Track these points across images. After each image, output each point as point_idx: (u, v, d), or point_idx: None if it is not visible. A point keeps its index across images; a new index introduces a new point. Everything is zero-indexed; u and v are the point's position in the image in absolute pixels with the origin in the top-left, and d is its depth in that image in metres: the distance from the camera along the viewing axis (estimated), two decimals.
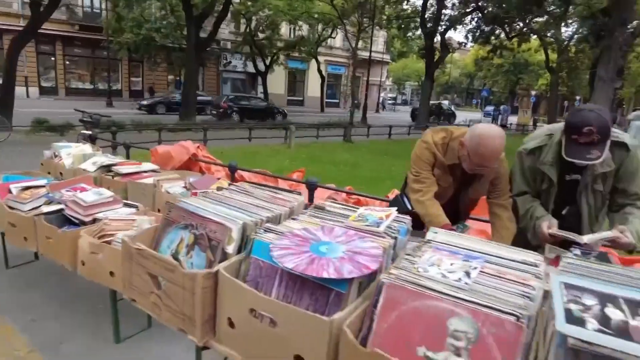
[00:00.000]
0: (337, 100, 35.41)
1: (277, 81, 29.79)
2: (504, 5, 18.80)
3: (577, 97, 34.47)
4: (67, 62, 23.67)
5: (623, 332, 0.86)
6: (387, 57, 36.90)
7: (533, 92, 40.65)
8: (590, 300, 0.99)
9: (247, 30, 25.13)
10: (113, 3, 18.57)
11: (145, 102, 20.30)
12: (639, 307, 0.97)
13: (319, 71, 28.70)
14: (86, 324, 2.67)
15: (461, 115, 30.08)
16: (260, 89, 28.28)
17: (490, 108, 32.74)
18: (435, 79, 50.90)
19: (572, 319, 0.90)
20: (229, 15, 22.81)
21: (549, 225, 1.96)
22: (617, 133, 1.99)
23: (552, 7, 19.88)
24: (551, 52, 25.56)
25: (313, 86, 31.98)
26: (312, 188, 4.07)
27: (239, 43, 26.02)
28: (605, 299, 1.00)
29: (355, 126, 16.22)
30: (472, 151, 1.94)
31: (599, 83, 10.88)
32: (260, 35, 25.95)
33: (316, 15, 24.52)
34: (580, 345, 0.84)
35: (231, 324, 1.21)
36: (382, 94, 43.70)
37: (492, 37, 20.42)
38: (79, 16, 22.85)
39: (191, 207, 1.49)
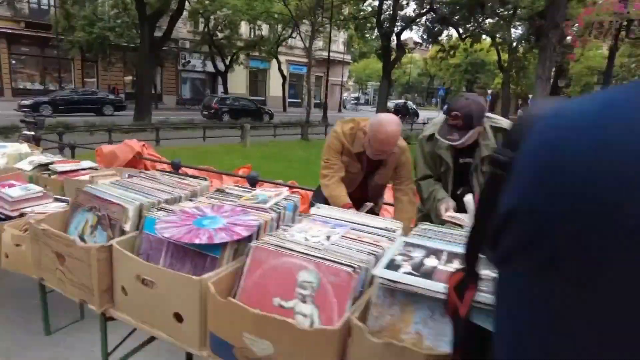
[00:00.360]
0: (299, 100, 35.56)
1: (238, 81, 29.63)
2: (457, 6, 19.58)
3: (530, 95, 36.19)
4: (14, 62, 22.63)
5: (427, 274, 1.06)
6: (347, 58, 37.36)
7: (489, 91, 42.29)
8: (417, 254, 1.19)
9: (206, 29, 24.88)
10: (61, 0, 17.96)
11: (27, 102, 17.47)
12: (455, 258, 1.18)
13: (280, 71, 28.77)
14: (15, 319, 2.69)
15: (423, 114, 31.43)
16: (220, 88, 28.04)
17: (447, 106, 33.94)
18: (396, 79, 52.01)
19: (391, 265, 1.10)
20: (187, 14, 22.51)
21: (446, 208, 2.19)
22: (496, 119, 2.25)
23: (501, 10, 20.88)
24: (503, 53, 26.78)
25: (275, 86, 32.01)
26: (253, 182, 4.22)
27: (197, 42, 25.72)
28: (432, 252, 1.21)
29: (313, 125, 16.44)
30: (372, 137, 2.16)
31: (537, 81, 11.55)
32: (220, 35, 25.75)
33: (276, 15, 24.57)
34: (387, 284, 1.04)
35: (125, 292, 1.35)
36: (344, 94, 44.29)
37: (443, 37, 21.20)
38: (25, 13, 21.91)
39: (96, 192, 1.61)
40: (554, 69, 20.01)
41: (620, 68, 34.35)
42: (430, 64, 41.55)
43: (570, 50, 7.99)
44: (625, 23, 6.05)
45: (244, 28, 27.24)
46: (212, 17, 24.31)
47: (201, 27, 25.66)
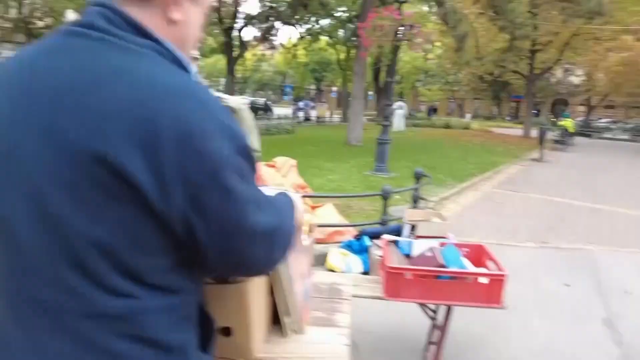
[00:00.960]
0: None
1: None
2: (282, 5, 20.62)
3: (370, 93, 40.15)
4: None
5: None
6: (195, 53, 36.22)
7: (334, 89, 45.57)
8: None
9: (19, 16, 21.58)
10: None
11: None
12: None
13: None
14: None
15: (278, 111, 32.67)
16: None
17: (302, 102, 35.74)
18: (250, 76, 52.17)
19: None
20: None
21: None
22: (226, 99, 2.65)
23: (341, 10, 22.76)
24: (342, 52, 29.24)
25: None
26: None
27: (9, 30, 22.16)
28: None
29: None
30: None
31: (354, 77, 13.03)
32: (40, 23, 22.58)
33: None
34: None
35: None
36: None
37: (281, 36, 22.22)
38: None
39: None
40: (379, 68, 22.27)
41: (438, 68, 40.23)
42: (281, 62, 43.05)
43: (365, 49, 9.34)
44: (401, 27, 7.32)
45: (72, 16, 24.32)
46: (26, 2, 21.21)
47: (14, 12, 22.16)
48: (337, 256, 3.69)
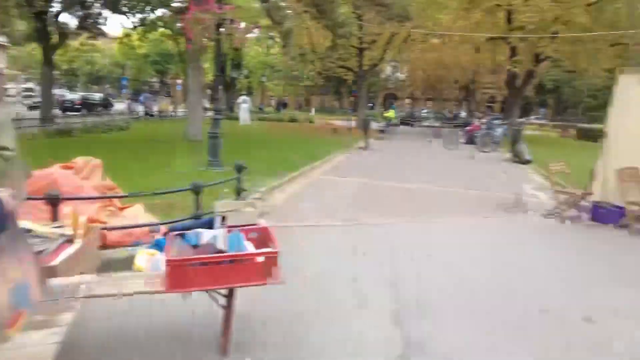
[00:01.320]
0: None
1: None
2: None
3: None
4: None
5: None
6: (4, 40, 30.50)
7: (179, 81, 43.32)
8: None
9: None
10: None
11: None
12: None
13: None
14: None
15: (118, 106, 30.61)
16: None
17: (142, 96, 33.49)
18: (79, 68, 46.22)
19: None
20: None
21: None
22: None
23: (176, 2, 21.44)
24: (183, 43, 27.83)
25: None
26: None
27: None
28: None
29: None
30: None
31: (189, 70, 12.68)
32: None
33: None
34: None
35: None
36: (11, 84, 36.29)
37: (97, 24, 20.24)
38: None
39: None
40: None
41: (281, 63, 41.29)
42: (118, 53, 39.02)
43: (190, 41, 9.14)
44: (222, 21, 7.31)
45: None
46: None
47: None
48: (144, 257, 3.54)
